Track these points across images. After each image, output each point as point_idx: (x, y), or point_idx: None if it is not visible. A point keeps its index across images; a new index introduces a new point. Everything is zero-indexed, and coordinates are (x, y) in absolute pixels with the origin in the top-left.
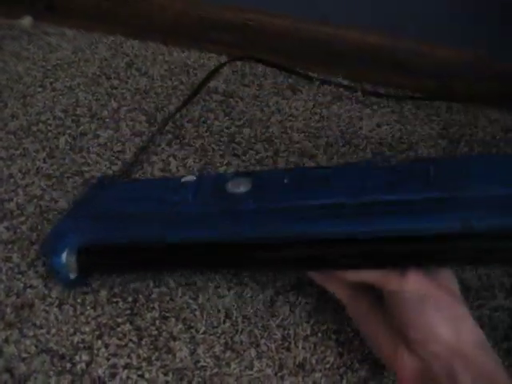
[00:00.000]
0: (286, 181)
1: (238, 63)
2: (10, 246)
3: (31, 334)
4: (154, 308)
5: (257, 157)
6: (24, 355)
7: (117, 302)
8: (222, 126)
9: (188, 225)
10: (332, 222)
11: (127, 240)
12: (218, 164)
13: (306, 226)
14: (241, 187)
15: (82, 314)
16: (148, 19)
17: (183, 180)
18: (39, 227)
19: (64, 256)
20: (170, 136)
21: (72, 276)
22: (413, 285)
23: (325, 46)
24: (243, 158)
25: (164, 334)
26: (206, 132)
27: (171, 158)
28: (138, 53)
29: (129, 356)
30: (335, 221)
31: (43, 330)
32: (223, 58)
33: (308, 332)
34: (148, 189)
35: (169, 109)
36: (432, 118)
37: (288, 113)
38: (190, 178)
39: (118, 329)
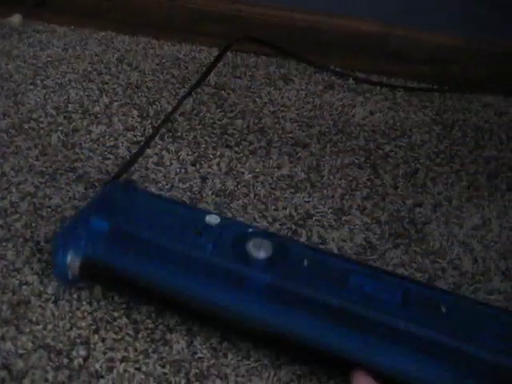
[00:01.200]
0: (305, 263)
1: (229, 55)
2: (4, 244)
3: (28, 330)
4: None
5: (250, 148)
6: (21, 351)
7: (112, 297)
8: (215, 118)
9: (200, 282)
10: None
11: (134, 274)
12: (211, 156)
13: (313, 333)
14: (261, 251)
15: (77, 309)
16: (138, 14)
17: (207, 220)
18: (33, 224)
19: (68, 257)
20: (162, 130)
21: (70, 276)
22: None
23: (317, 36)
24: (236, 149)
25: (160, 326)
26: (199, 125)
27: (164, 152)
28: (129, 48)
29: (126, 349)
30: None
31: (40, 326)
32: (214, 51)
33: None
34: (171, 215)
35: (161, 102)
36: (425, 104)
37: (280, 103)
38: (214, 219)
39: (115, 323)
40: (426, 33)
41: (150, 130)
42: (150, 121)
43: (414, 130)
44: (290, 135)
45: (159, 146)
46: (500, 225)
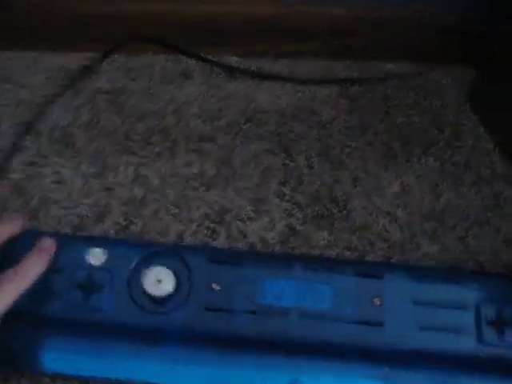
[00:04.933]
0: (214, 286)
1: (122, 59)
2: None
3: None
4: None
5: (155, 150)
6: None
7: None
8: (115, 126)
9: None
10: None
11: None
12: (115, 165)
13: None
14: (161, 287)
15: None
16: (21, 27)
17: (91, 260)
18: None
19: None
20: (58, 146)
21: None
22: None
23: (210, 25)
24: (141, 153)
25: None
26: (99, 135)
27: (63, 169)
28: (15, 64)
29: None
30: None
31: None
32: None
33: None
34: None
35: (53, 118)
36: (330, 78)
37: (182, 100)
38: (98, 254)
39: None
40: (322, 7)
41: (47, 149)
42: (43, 139)
43: (323, 107)
44: (195, 131)
45: (57, 164)
46: (420, 188)
